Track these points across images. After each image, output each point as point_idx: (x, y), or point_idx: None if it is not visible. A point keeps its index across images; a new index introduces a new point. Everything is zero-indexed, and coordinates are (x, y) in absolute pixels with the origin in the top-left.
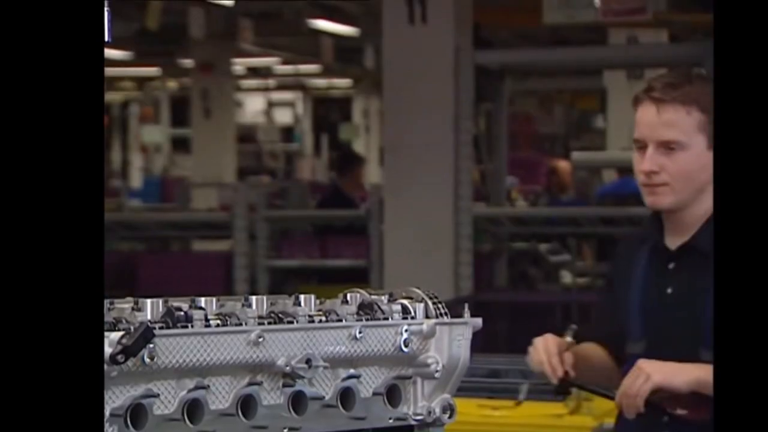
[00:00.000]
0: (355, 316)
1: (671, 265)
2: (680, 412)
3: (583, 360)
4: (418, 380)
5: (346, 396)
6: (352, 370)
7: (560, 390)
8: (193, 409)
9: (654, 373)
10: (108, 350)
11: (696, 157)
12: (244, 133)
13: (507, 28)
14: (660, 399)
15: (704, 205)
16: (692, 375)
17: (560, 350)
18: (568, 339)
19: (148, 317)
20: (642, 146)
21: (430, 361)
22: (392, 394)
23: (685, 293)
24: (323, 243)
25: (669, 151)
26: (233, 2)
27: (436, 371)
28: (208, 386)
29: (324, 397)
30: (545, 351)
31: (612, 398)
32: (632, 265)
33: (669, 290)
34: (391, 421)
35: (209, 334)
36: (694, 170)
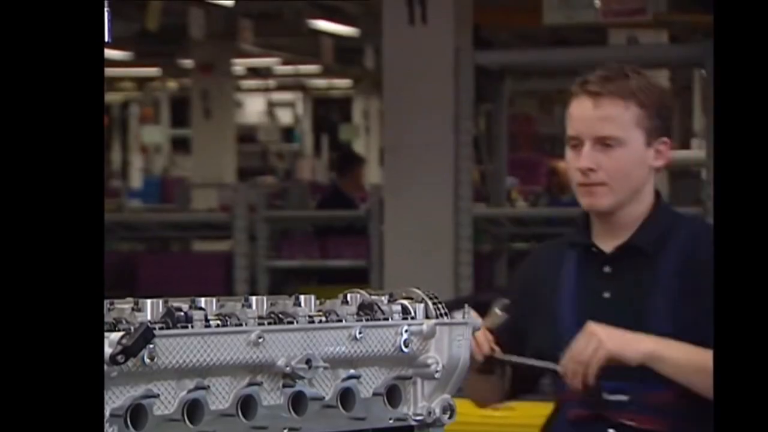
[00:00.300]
0: (355, 316)
1: (607, 268)
2: (627, 422)
3: None
4: (418, 380)
5: (346, 396)
6: (352, 371)
7: (485, 368)
8: (193, 409)
9: (607, 340)
10: (108, 350)
11: (634, 154)
12: (244, 133)
13: (507, 28)
14: (603, 407)
15: (641, 206)
16: (645, 347)
17: (483, 326)
18: (498, 312)
19: (148, 317)
20: (577, 144)
21: (430, 361)
22: (392, 395)
23: (624, 295)
24: (323, 243)
25: (606, 148)
26: (233, 2)
27: (436, 371)
28: (208, 386)
29: (324, 398)
30: None
31: (554, 370)
32: (558, 272)
33: (606, 294)
34: (391, 421)
35: (209, 334)
36: (632, 168)
